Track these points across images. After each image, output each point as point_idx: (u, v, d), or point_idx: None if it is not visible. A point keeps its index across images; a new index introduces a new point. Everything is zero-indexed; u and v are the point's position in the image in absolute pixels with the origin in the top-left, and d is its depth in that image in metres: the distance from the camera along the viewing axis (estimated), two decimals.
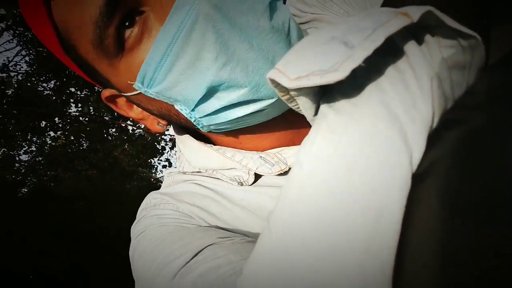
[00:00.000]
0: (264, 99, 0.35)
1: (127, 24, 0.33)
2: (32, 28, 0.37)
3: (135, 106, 0.42)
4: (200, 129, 0.39)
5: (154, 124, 0.43)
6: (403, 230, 0.17)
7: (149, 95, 0.36)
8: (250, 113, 0.35)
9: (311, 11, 0.45)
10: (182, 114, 0.37)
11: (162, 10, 0.32)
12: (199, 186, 0.43)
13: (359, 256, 0.17)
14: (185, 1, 0.31)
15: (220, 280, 0.30)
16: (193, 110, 0.36)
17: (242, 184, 0.41)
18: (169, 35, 0.32)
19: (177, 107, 0.37)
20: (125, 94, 0.39)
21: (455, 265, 0.14)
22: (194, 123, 0.38)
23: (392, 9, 0.21)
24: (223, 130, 0.39)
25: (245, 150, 0.42)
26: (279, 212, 0.21)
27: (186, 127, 0.44)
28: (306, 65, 0.20)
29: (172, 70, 0.33)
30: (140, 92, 0.36)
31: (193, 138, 0.44)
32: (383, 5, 0.34)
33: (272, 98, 0.34)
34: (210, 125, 0.38)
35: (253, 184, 0.41)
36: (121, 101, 0.42)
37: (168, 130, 0.45)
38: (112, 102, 0.42)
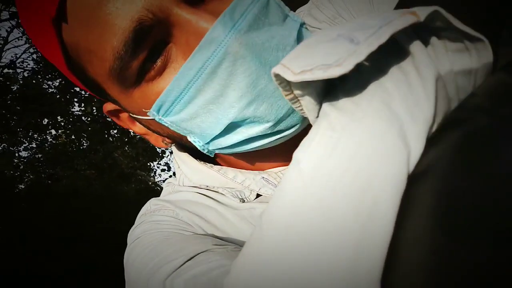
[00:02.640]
0: (283, 131, 0.34)
1: (150, 57, 0.32)
2: (34, 41, 0.36)
3: (137, 121, 0.41)
4: (209, 154, 0.38)
5: (159, 140, 0.43)
6: (396, 229, 0.17)
7: (163, 123, 0.35)
8: (267, 143, 0.35)
9: (320, 26, 0.45)
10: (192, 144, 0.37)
11: (187, 46, 0.31)
12: (200, 196, 0.43)
13: (350, 253, 0.17)
14: (214, 38, 0.30)
15: (211, 282, 0.30)
16: (207, 143, 0.36)
17: (243, 201, 0.41)
18: (193, 69, 0.31)
19: (190, 138, 0.36)
20: (134, 116, 0.38)
21: (448, 266, 0.14)
22: (206, 153, 0.38)
23: (399, 10, 0.21)
24: (233, 155, 0.39)
25: (248, 169, 0.42)
26: (272, 209, 0.21)
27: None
28: (310, 59, 0.20)
29: (193, 103, 0.32)
30: (151, 118, 0.35)
31: (193, 158, 0.44)
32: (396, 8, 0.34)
33: (291, 129, 0.34)
34: (222, 153, 0.37)
35: (255, 200, 0.41)
36: (124, 115, 0.41)
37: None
38: (114, 116, 0.41)
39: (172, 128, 0.36)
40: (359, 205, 0.18)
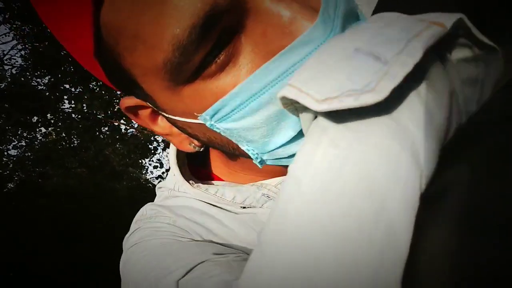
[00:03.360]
0: None
1: (215, 48, 0.26)
2: (49, 21, 0.29)
3: (159, 119, 0.36)
4: (258, 164, 0.33)
5: (185, 143, 0.37)
6: (411, 255, 0.16)
7: (215, 129, 0.30)
8: None
9: None
10: (242, 150, 0.32)
11: (263, 38, 0.26)
12: (197, 201, 0.42)
13: (366, 281, 0.16)
14: (312, 40, 0.24)
15: None
16: (263, 153, 0.31)
17: (244, 207, 0.40)
18: (275, 72, 0.25)
19: (243, 147, 0.31)
20: (171, 117, 0.32)
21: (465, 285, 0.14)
22: (256, 162, 0.33)
23: (419, 17, 0.20)
24: None
25: (257, 172, 0.41)
26: (272, 228, 0.19)
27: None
28: (334, 83, 0.18)
29: (262, 111, 0.27)
30: (197, 122, 0.30)
31: (189, 185, 0.41)
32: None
33: None
34: (269, 162, 0.33)
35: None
36: (145, 112, 0.35)
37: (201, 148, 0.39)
38: (132, 112, 0.36)
39: (224, 135, 0.30)
40: (373, 230, 0.16)
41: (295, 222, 0.18)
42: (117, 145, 5.54)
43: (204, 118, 0.29)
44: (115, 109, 4.57)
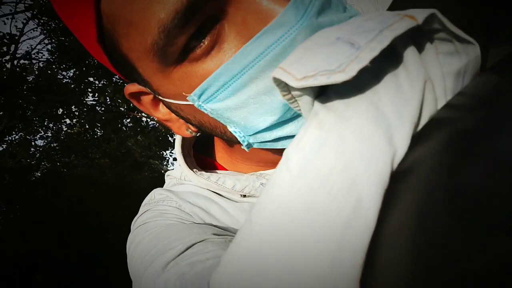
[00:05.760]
0: None
1: (199, 33, 0.29)
2: (60, 10, 0.33)
3: (161, 106, 0.39)
4: (245, 148, 0.35)
5: (182, 128, 0.40)
6: (378, 225, 0.17)
7: (202, 109, 0.32)
8: None
9: None
10: (230, 133, 0.34)
11: (243, 25, 0.29)
12: (201, 189, 0.44)
13: (332, 247, 0.18)
14: (284, 23, 0.27)
15: (205, 271, 0.31)
16: (249, 135, 0.33)
17: (245, 196, 0.43)
18: (252, 54, 0.28)
19: (230, 128, 0.33)
20: (165, 99, 0.35)
21: (428, 262, 0.14)
22: (242, 144, 0.35)
23: (396, 12, 0.21)
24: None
25: (256, 162, 0.43)
26: (260, 204, 0.21)
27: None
28: (312, 65, 0.20)
29: (243, 91, 0.30)
30: (187, 103, 0.33)
31: (192, 173, 0.44)
32: (390, 9, 0.34)
33: None
34: (256, 146, 0.35)
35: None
36: (147, 99, 0.38)
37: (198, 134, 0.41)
38: (135, 99, 0.38)
39: (212, 116, 0.33)
40: (343, 202, 0.18)
41: (279, 195, 0.20)
42: (139, 137, 5.66)
43: (192, 99, 0.32)
44: None
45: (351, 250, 0.17)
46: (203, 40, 0.29)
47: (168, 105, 0.36)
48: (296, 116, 0.31)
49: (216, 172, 0.45)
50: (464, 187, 0.15)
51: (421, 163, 0.18)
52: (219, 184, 0.42)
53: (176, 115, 0.38)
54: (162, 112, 0.39)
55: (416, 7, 0.21)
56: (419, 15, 0.20)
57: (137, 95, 0.38)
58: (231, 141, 0.37)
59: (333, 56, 0.20)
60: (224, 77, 0.29)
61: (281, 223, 0.19)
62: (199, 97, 0.31)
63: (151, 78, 0.33)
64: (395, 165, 0.19)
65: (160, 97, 0.35)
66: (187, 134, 0.40)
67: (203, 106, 0.32)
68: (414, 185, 0.18)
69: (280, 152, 0.40)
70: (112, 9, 0.29)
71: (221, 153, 0.47)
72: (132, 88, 0.37)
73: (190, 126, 0.39)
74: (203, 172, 0.44)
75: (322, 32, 0.23)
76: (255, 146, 0.35)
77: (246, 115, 0.31)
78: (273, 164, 0.43)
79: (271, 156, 0.41)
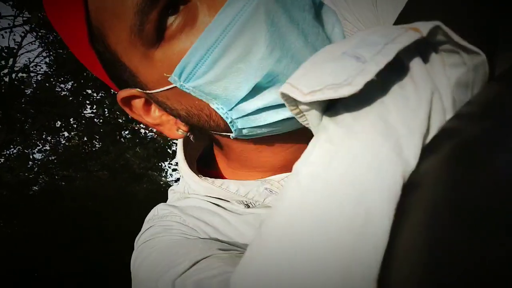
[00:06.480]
0: None
1: (170, 11, 0.31)
2: (53, 17, 0.35)
3: (152, 110, 0.40)
4: (231, 131, 0.37)
5: (173, 130, 0.41)
6: (391, 239, 0.17)
7: (184, 89, 0.33)
8: (292, 117, 0.35)
9: None
10: (215, 115, 0.36)
11: (213, 1, 0.31)
12: (205, 202, 0.44)
13: (344, 262, 0.17)
14: None
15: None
16: (231, 109, 0.34)
17: (248, 207, 0.42)
18: (221, 25, 0.30)
19: (213, 105, 0.34)
20: (153, 91, 0.36)
21: (439, 274, 0.14)
22: (230, 125, 0.36)
23: (400, 26, 0.22)
24: (252, 137, 0.38)
25: (253, 168, 0.43)
26: (271, 218, 0.21)
27: (205, 134, 0.43)
28: (319, 79, 0.21)
29: (219, 63, 0.31)
30: (171, 88, 0.34)
31: (194, 174, 0.44)
32: (395, 24, 0.34)
33: None
34: (244, 128, 0.36)
35: (260, 205, 0.42)
36: (138, 103, 0.39)
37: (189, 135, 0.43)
38: (127, 105, 0.40)
39: (194, 95, 0.34)
40: (353, 216, 0.18)
41: (290, 208, 0.20)
42: (137, 149, 5.66)
43: (173, 79, 0.33)
44: None
45: (364, 265, 0.17)
46: (175, 16, 0.31)
47: (157, 100, 0.38)
48: (273, 83, 0.32)
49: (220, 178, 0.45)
50: (474, 202, 0.15)
51: (432, 176, 0.18)
52: (224, 189, 0.42)
53: (165, 109, 0.39)
54: (153, 117, 0.40)
55: (422, 20, 0.21)
56: (424, 27, 0.20)
57: (129, 100, 0.39)
58: (219, 128, 0.38)
59: (340, 70, 0.20)
60: (200, 51, 0.31)
61: (291, 237, 0.19)
62: (180, 76, 0.33)
63: (138, 69, 0.35)
64: (406, 178, 0.19)
65: (149, 92, 0.37)
66: (179, 134, 0.41)
67: (185, 86, 0.33)
68: (425, 199, 0.17)
69: (277, 154, 0.42)
70: (98, 5, 0.32)
71: (222, 164, 0.47)
72: (123, 93, 0.38)
73: (180, 125, 0.40)
74: (207, 178, 0.44)
75: (327, 48, 0.24)
76: (239, 125, 0.35)
77: (226, 85, 0.32)
78: (275, 170, 0.43)
79: (271, 159, 0.42)
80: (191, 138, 0.44)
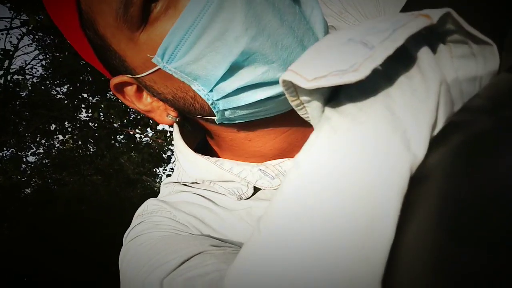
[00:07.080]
0: None
1: None
2: (47, 4, 0.37)
3: (144, 97, 0.41)
4: (215, 115, 0.37)
5: (163, 115, 0.42)
6: (398, 232, 0.17)
7: (167, 70, 0.34)
8: (271, 97, 0.35)
9: (327, 21, 0.44)
10: (199, 97, 0.36)
11: None
12: (197, 196, 0.43)
13: (350, 257, 0.17)
14: None
15: (206, 286, 0.30)
16: (211, 90, 0.35)
17: (241, 198, 0.41)
18: (199, 5, 0.31)
19: (194, 87, 0.35)
20: (140, 75, 0.37)
21: (449, 269, 0.14)
22: (211, 107, 0.36)
23: (410, 12, 0.21)
24: (236, 121, 0.39)
25: (245, 158, 0.42)
26: (270, 212, 0.20)
27: (192, 121, 0.44)
28: (324, 65, 0.20)
29: (198, 42, 0.32)
30: (156, 70, 0.35)
31: (190, 150, 0.43)
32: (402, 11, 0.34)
33: None
34: (226, 109, 0.36)
35: (252, 197, 0.41)
36: (130, 90, 0.40)
37: (177, 120, 0.43)
38: (120, 92, 0.40)
39: (177, 76, 0.34)
40: (359, 209, 0.17)
41: (291, 201, 0.19)
42: (132, 154, 5.63)
43: (157, 60, 0.34)
44: (131, 118, 4.66)
45: (371, 259, 0.17)
46: (158, 1, 0.32)
47: (145, 85, 0.38)
48: (249, 62, 0.33)
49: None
50: (482, 197, 0.15)
51: (439, 170, 0.17)
52: (218, 165, 0.41)
53: (153, 94, 0.39)
54: (144, 103, 0.41)
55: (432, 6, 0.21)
56: (434, 14, 0.19)
57: (122, 87, 0.40)
58: (204, 111, 0.38)
59: (346, 56, 0.19)
60: (180, 32, 0.32)
61: (293, 231, 0.18)
62: (162, 57, 0.33)
63: (125, 53, 0.36)
64: (414, 171, 0.18)
65: (137, 76, 0.37)
66: (169, 120, 0.42)
67: (167, 67, 0.34)
68: (434, 191, 0.17)
69: (267, 143, 0.41)
70: None
71: (216, 155, 0.46)
72: (115, 80, 0.39)
73: (169, 110, 0.41)
74: (200, 155, 0.43)
75: (332, 35, 0.23)
76: (220, 106, 0.36)
77: (205, 65, 0.33)
78: (264, 157, 0.43)
79: (261, 148, 0.42)
80: (188, 128, 0.44)
